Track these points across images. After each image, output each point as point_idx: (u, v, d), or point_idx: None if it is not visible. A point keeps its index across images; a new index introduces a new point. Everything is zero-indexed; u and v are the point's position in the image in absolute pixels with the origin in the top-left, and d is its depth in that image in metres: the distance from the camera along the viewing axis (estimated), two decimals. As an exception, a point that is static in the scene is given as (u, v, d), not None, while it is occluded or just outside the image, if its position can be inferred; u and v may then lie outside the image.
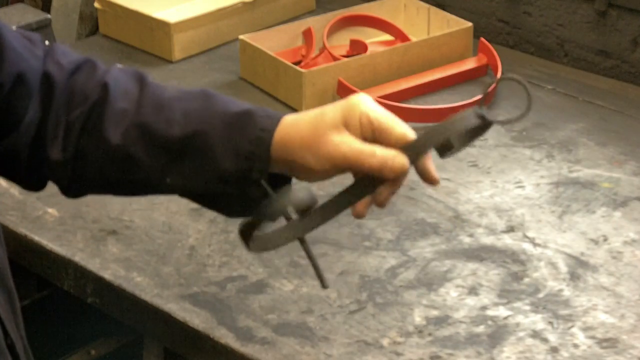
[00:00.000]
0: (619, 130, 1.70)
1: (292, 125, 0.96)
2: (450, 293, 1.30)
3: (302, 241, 0.96)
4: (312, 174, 0.96)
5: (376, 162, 0.91)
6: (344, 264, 1.36)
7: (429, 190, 1.52)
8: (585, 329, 1.23)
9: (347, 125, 0.94)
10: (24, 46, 0.98)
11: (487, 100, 1.21)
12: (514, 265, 1.35)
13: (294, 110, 1.76)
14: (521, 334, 1.23)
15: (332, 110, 0.95)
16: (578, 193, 1.52)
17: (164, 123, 0.97)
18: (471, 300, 1.29)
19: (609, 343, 1.21)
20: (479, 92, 1.77)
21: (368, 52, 1.87)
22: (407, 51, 1.85)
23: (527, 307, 1.27)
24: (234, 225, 1.45)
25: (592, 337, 1.22)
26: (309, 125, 0.95)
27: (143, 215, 1.47)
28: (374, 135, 0.93)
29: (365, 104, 0.94)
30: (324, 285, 0.96)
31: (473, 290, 1.31)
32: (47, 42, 1.03)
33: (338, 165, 0.94)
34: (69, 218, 1.46)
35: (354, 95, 0.96)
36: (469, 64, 1.89)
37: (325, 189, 1.20)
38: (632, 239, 1.40)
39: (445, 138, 0.91)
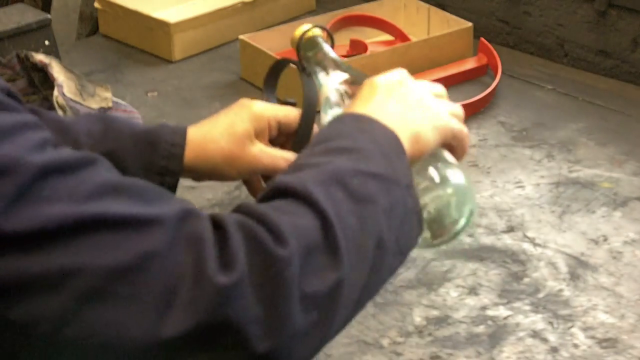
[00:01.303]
0: (619, 130, 1.70)
1: (207, 139, 1.03)
2: (450, 293, 1.30)
3: None
4: (227, 180, 1.06)
5: None
6: (344, 264, 1.36)
7: (429, 190, 1.52)
8: (585, 329, 1.23)
9: (257, 133, 1.04)
10: None
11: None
12: (514, 265, 1.35)
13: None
14: (521, 334, 1.23)
15: (240, 120, 1.04)
16: (578, 193, 1.52)
17: (71, 144, 0.98)
18: (471, 300, 1.29)
19: (609, 343, 1.21)
20: (479, 92, 1.77)
21: (368, 52, 1.87)
22: (407, 51, 1.85)
23: (527, 307, 1.27)
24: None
25: (592, 337, 1.22)
26: (225, 138, 1.03)
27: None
28: (279, 131, 1.05)
29: (267, 108, 1.05)
30: None
31: (473, 290, 1.31)
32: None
33: (257, 173, 1.05)
34: (69, 218, 1.46)
35: (248, 103, 1.05)
36: (469, 64, 1.89)
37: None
38: (632, 239, 1.40)
39: (314, 114, 1.04)
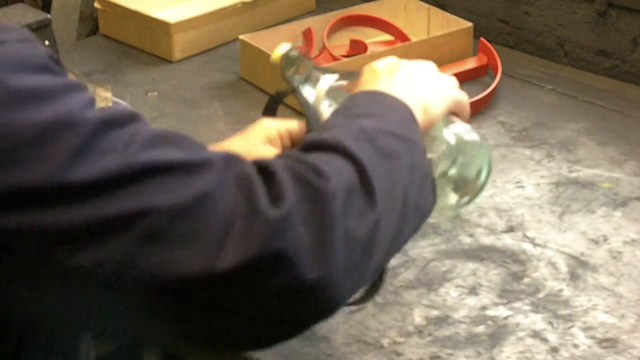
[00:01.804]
0: (619, 130, 1.70)
1: (222, 146, 1.10)
2: (450, 293, 1.30)
3: None
4: None
5: None
6: (344, 264, 1.36)
7: (429, 190, 1.52)
8: (585, 329, 1.23)
9: (270, 141, 1.10)
10: None
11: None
12: (514, 265, 1.35)
13: (295, 111, 1.76)
14: (521, 334, 1.23)
15: (251, 131, 1.10)
16: (578, 193, 1.51)
17: None
18: (471, 300, 1.29)
19: (609, 343, 1.21)
20: (479, 92, 1.77)
21: (368, 52, 1.87)
22: (407, 51, 1.85)
23: (527, 307, 1.27)
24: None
25: (592, 337, 1.22)
26: (239, 142, 1.09)
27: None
28: (291, 143, 1.10)
29: (276, 122, 1.11)
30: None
31: (473, 290, 1.31)
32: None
33: None
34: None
35: (257, 122, 1.13)
36: (469, 64, 1.89)
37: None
38: (632, 239, 1.40)
39: (319, 122, 1.07)
